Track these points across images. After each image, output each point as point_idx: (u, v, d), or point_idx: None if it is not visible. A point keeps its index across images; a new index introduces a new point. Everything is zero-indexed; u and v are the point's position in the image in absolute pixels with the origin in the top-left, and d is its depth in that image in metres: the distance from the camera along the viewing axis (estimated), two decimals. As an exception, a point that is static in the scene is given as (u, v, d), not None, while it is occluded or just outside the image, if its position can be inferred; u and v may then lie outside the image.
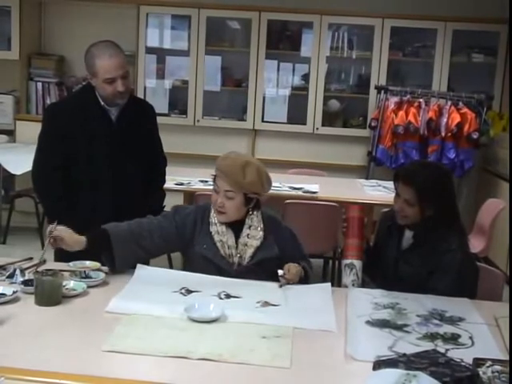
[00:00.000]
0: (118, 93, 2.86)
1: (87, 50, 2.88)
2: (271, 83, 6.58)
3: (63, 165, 2.91)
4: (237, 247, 2.61)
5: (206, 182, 4.57)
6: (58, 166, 2.91)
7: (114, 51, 2.85)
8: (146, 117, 3.11)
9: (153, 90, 6.48)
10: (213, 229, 2.62)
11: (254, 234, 2.63)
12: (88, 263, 2.57)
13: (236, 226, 2.62)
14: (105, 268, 2.54)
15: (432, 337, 2.10)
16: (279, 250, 2.64)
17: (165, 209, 3.20)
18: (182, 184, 4.48)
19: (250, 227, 2.63)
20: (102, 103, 2.93)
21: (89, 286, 2.36)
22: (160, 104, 5.88)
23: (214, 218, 2.63)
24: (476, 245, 4.45)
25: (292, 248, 2.68)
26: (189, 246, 2.63)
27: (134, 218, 2.99)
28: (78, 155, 2.92)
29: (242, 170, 2.54)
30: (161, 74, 6.52)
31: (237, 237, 2.62)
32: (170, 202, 3.54)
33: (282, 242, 2.67)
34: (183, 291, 2.39)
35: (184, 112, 6.47)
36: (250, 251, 2.61)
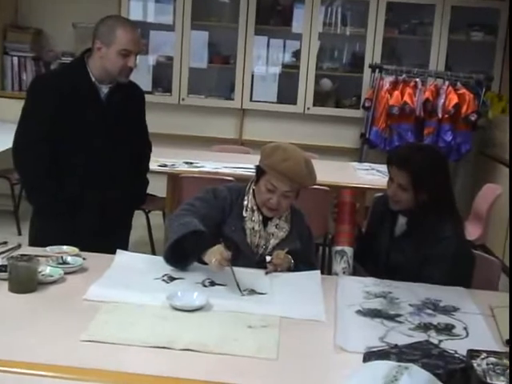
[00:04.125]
0: (129, 68, 2.87)
1: (103, 19, 2.88)
2: (260, 60, 6.54)
3: (48, 138, 2.86)
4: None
5: (191, 163, 4.57)
6: (43, 138, 2.85)
7: (134, 26, 2.90)
8: (135, 99, 3.10)
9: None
10: (247, 214, 2.63)
11: (282, 226, 2.67)
12: (65, 248, 2.56)
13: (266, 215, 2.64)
14: (84, 253, 2.53)
15: (425, 327, 2.11)
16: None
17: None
18: (165, 166, 4.46)
19: (280, 217, 2.66)
20: (94, 79, 2.91)
21: (66, 273, 2.34)
22: (143, 81, 5.77)
23: (250, 202, 2.63)
24: (472, 232, 4.47)
25: (305, 248, 2.71)
26: (220, 225, 2.64)
27: (119, 201, 2.98)
28: (63, 133, 2.88)
29: (308, 170, 2.55)
30: (144, 50, 6.46)
31: (264, 225, 2.64)
32: (154, 186, 3.53)
33: (300, 237, 2.70)
34: (166, 278, 2.38)
35: (168, 90, 6.44)
36: (274, 242, 2.65)
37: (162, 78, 6.53)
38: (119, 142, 2.98)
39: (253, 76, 6.43)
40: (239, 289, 2.28)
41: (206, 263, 2.39)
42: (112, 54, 2.83)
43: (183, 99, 6.40)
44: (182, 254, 2.43)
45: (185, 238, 2.38)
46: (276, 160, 2.52)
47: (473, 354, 1.79)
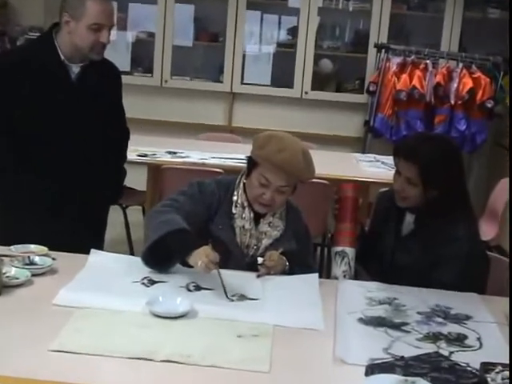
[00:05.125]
0: (101, 44, 2.87)
1: None
2: (253, 38, 6.54)
3: (9, 130, 2.86)
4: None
5: (175, 153, 4.56)
6: (4, 130, 2.86)
7: None
8: (110, 80, 3.10)
9: (112, 43, 6.33)
10: (237, 211, 2.63)
11: (276, 224, 2.66)
12: (33, 247, 2.55)
13: (258, 212, 2.64)
14: (53, 253, 2.53)
15: (434, 337, 2.12)
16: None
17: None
18: (145, 156, 4.45)
19: (273, 215, 2.66)
20: (63, 58, 2.90)
21: (34, 274, 2.34)
22: (121, 60, 5.75)
23: (240, 197, 2.63)
24: (487, 232, 4.49)
25: (301, 249, 2.71)
26: (206, 223, 2.63)
27: (92, 195, 2.97)
28: (28, 119, 2.87)
29: (305, 162, 2.54)
30: (122, 25, 6.43)
31: (256, 223, 2.64)
32: (132, 178, 3.53)
33: (296, 237, 2.71)
34: (145, 281, 2.39)
35: (149, 70, 6.42)
36: (266, 242, 2.65)
37: (142, 56, 6.52)
38: (92, 129, 2.97)
39: (244, 56, 6.43)
40: (226, 294, 2.28)
41: (190, 266, 2.40)
42: (82, 28, 2.82)
43: (166, 81, 6.39)
44: (162, 256, 2.43)
45: (166, 238, 2.38)
46: (270, 151, 2.52)
47: (487, 367, 1.80)
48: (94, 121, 2.98)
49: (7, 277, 2.28)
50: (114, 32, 4.79)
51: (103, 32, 2.84)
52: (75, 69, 2.93)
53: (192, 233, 2.41)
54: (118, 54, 6.20)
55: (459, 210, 2.62)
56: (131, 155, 3.84)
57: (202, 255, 2.31)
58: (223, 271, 2.34)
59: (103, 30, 2.84)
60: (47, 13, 6.14)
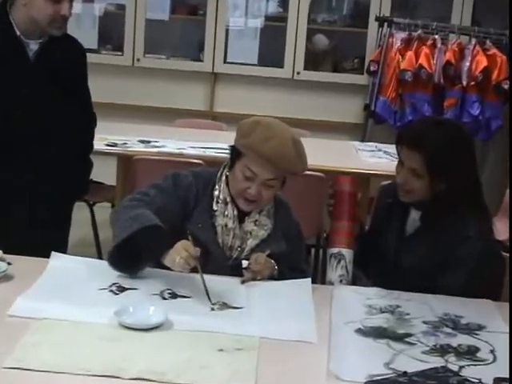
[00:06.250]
0: (61, 17, 2.86)
1: None
2: (237, 11, 6.54)
3: None
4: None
5: (148, 142, 4.56)
6: None
7: None
8: (73, 58, 3.10)
9: (77, 17, 6.35)
10: (219, 208, 2.64)
11: (263, 222, 2.67)
12: (-16, 250, 2.54)
13: (243, 209, 2.64)
14: (8, 256, 2.52)
15: (442, 350, 2.13)
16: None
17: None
18: (115, 145, 4.44)
19: (260, 212, 2.67)
20: (19, 33, 2.90)
21: (-14, 281, 2.34)
22: (86, 37, 5.75)
23: (222, 192, 2.64)
24: (502, 230, 4.48)
25: (292, 250, 2.72)
26: (183, 221, 2.63)
27: (54, 189, 2.96)
28: None
29: (296, 152, 2.54)
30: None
31: (240, 222, 2.65)
32: (100, 171, 3.52)
33: (286, 237, 2.71)
34: (114, 288, 2.39)
35: (119, 48, 6.42)
36: (252, 243, 2.66)
37: (111, 32, 6.51)
38: (52, 114, 2.96)
39: (227, 31, 6.43)
40: (208, 297, 2.29)
41: (166, 268, 2.39)
42: (37, 0, 2.82)
43: (138, 60, 6.38)
44: (132, 258, 2.43)
45: (137, 236, 2.38)
46: (256, 139, 2.52)
47: (501, 382, 1.81)
48: (55, 105, 2.97)
49: (-45, 284, 2.28)
50: (77, 4, 4.79)
51: (63, 3, 2.84)
52: (33, 46, 2.92)
53: (165, 230, 2.41)
54: (83, 30, 6.20)
55: (470, 206, 2.63)
56: (98, 144, 3.84)
57: (181, 250, 2.32)
58: (204, 275, 2.34)
59: (63, 1, 2.84)
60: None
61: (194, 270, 2.36)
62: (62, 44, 2.98)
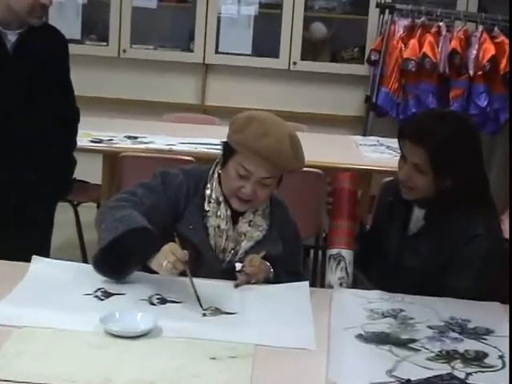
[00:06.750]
0: (40, 6, 2.87)
1: None
2: (230, -2, 6.55)
3: None
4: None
5: (136, 138, 4.56)
6: None
7: None
8: (55, 50, 3.11)
9: (59, 5, 6.35)
10: (211, 208, 2.64)
11: (258, 223, 2.67)
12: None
13: (236, 209, 2.64)
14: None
15: (448, 356, 2.13)
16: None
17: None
18: (100, 141, 4.44)
19: (255, 212, 2.67)
20: None
21: (-37, 287, 2.34)
22: (69, 26, 5.79)
23: (215, 191, 2.64)
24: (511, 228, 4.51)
25: (289, 252, 2.72)
26: (174, 222, 2.63)
27: (35, 189, 2.97)
28: None
29: (293, 149, 2.54)
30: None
31: (234, 223, 2.65)
32: (85, 169, 3.52)
33: (283, 238, 2.72)
34: (99, 294, 2.39)
35: (104, 38, 6.42)
36: (246, 245, 2.66)
37: (95, 21, 6.52)
38: (32, 109, 2.96)
39: (219, 19, 6.44)
40: (199, 302, 2.29)
41: (153, 272, 2.39)
42: None
43: (124, 51, 6.38)
44: (119, 261, 2.43)
45: (123, 239, 2.37)
46: (250, 135, 2.52)
47: (510, 390, 1.82)
48: (35, 99, 2.97)
49: None
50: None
51: None
52: (11, 36, 2.92)
53: (154, 232, 2.41)
54: (66, 19, 6.20)
55: (477, 203, 2.63)
56: (82, 141, 3.84)
57: (168, 253, 2.31)
58: (194, 280, 2.34)
59: None
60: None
61: (183, 274, 2.37)
62: (42, 34, 2.98)
